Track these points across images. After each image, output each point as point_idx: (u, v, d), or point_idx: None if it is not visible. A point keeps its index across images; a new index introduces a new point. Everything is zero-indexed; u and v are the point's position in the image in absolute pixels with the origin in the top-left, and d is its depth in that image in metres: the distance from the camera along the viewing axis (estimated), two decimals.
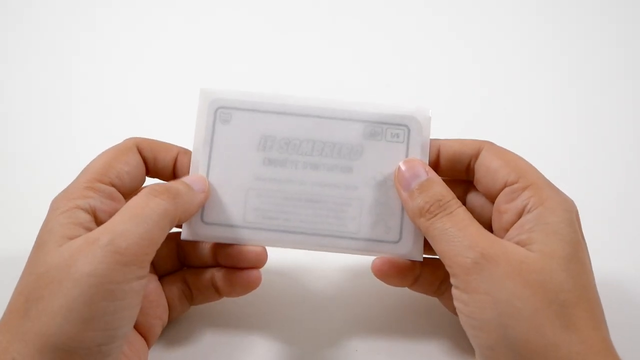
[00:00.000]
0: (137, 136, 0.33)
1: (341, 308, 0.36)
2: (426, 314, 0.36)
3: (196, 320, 0.35)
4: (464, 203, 0.34)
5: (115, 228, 0.27)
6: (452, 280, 0.29)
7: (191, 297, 0.34)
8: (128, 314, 0.27)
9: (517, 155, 0.32)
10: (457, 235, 0.29)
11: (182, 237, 0.32)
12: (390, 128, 0.33)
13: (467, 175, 0.33)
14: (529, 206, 0.29)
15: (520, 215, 0.30)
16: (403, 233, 0.33)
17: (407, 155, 0.33)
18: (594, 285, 0.28)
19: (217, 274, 0.33)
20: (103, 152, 0.32)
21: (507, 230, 0.30)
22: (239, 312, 0.36)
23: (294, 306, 0.36)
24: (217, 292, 0.33)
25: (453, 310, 0.34)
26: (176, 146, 0.34)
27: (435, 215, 0.30)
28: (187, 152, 0.33)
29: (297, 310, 0.36)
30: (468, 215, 0.30)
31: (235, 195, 0.33)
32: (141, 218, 0.28)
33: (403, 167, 0.32)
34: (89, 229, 0.28)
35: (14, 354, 0.25)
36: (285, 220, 0.32)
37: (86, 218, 0.29)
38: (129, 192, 0.32)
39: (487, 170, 0.32)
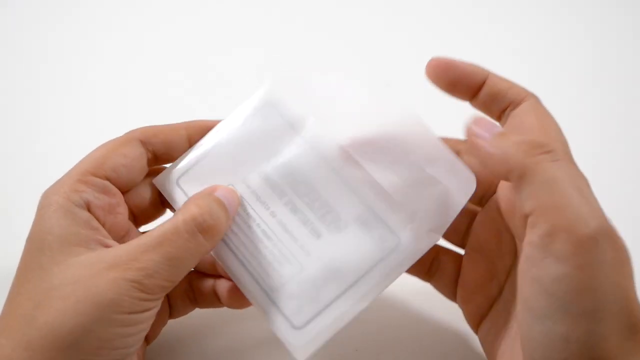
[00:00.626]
0: (142, 126, 0.31)
1: None
2: (426, 314, 0.36)
3: (194, 320, 0.35)
4: None
5: (147, 265, 0.26)
6: (548, 240, 0.23)
7: (195, 300, 0.33)
8: (142, 334, 0.27)
9: (555, 121, 0.29)
10: (575, 194, 0.23)
11: (154, 181, 0.32)
12: (383, 231, 0.30)
13: (497, 119, 0.31)
14: None
15: None
16: (309, 325, 0.29)
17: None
18: None
19: (219, 284, 0.32)
20: (102, 145, 0.30)
21: None
22: (239, 311, 0.36)
23: None
24: (220, 302, 0.32)
25: (448, 294, 0.33)
26: (183, 124, 0.32)
27: (547, 153, 0.24)
28: (200, 125, 0.32)
29: None
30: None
31: (217, 180, 0.31)
32: (178, 262, 0.27)
33: (474, 127, 0.27)
34: (93, 228, 0.28)
35: None
36: (232, 234, 0.31)
37: (84, 215, 0.28)
38: (126, 185, 0.30)
39: (520, 124, 0.29)
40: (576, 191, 0.24)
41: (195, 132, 0.32)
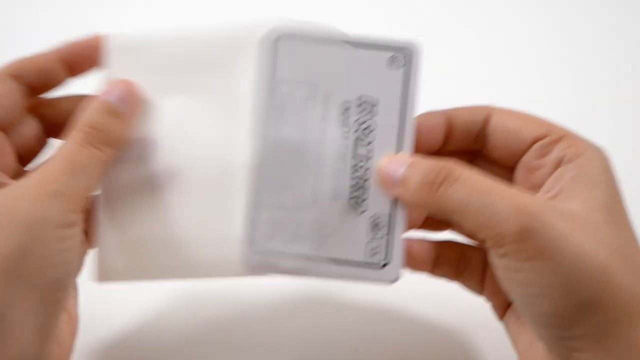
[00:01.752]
0: (10, 62, 0.30)
1: (341, 308, 0.36)
2: (426, 314, 0.36)
3: (193, 323, 0.35)
4: None
5: (59, 179, 0.26)
6: (496, 250, 0.26)
7: None
8: (77, 249, 0.27)
9: (531, 114, 0.30)
10: (487, 201, 0.25)
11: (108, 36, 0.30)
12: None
13: (475, 144, 0.31)
14: (567, 157, 0.28)
15: (557, 168, 0.28)
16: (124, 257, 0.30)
17: None
18: (636, 237, 0.27)
19: None
20: None
21: (541, 186, 0.28)
22: (240, 310, 0.36)
23: (294, 306, 0.36)
24: None
25: (475, 289, 0.31)
26: (53, 48, 0.30)
27: (442, 184, 0.26)
28: (72, 46, 0.30)
29: (297, 310, 0.36)
30: (481, 174, 0.27)
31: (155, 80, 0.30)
32: (88, 169, 0.27)
33: (384, 164, 0.28)
34: None
35: None
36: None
37: None
38: (3, 125, 0.29)
39: (507, 132, 0.29)
40: (489, 196, 0.25)
41: (68, 54, 0.30)
